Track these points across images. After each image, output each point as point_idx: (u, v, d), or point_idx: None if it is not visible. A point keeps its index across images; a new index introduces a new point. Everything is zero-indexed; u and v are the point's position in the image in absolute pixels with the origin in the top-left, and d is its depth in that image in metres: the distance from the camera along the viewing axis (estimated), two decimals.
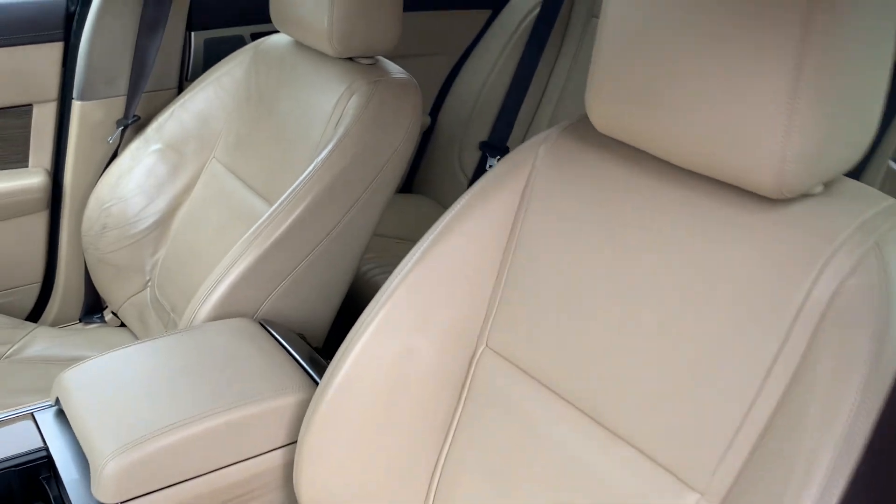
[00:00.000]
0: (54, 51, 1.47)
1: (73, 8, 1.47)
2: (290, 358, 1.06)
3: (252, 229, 1.18)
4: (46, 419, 0.98)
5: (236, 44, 1.60)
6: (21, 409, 1.00)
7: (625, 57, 0.72)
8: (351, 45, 1.24)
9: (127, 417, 0.91)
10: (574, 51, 1.86)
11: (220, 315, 1.15)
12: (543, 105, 1.93)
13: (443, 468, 0.90)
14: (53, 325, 1.64)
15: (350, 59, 1.30)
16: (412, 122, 1.27)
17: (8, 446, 0.93)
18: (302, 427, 0.91)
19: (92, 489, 0.87)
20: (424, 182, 2.09)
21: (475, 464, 0.87)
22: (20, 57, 1.44)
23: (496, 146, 1.94)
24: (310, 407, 0.91)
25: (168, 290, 1.44)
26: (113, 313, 1.58)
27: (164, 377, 0.98)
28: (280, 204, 1.18)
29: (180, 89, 1.62)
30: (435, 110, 2.05)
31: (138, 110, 1.53)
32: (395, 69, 1.31)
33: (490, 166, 1.97)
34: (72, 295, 1.64)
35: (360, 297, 1.57)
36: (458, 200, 0.90)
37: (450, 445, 0.90)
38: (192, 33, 1.61)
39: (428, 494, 0.91)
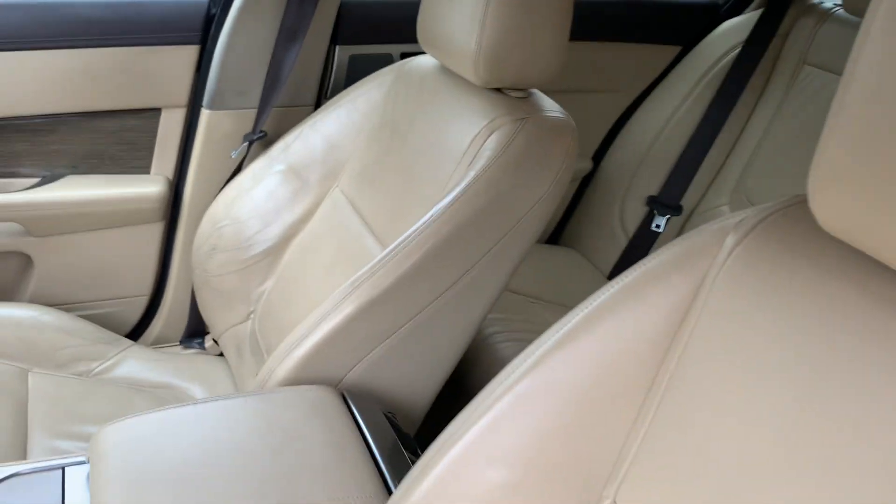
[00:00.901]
0: (189, 54, 1.38)
1: (214, 10, 1.37)
2: (366, 451, 0.84)
3: (353, 278, 0.98)
4: (74, 480, 0.83)
5: (384, 62, 1.43)
6: (56, 461, 0.86)
7: (884, 131, 0.44)
8: (500, 73, 1.03)
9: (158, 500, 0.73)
10: (778, 102, 1.55)
11: (299, 377, 0.96)
12: (730, 163, 1.63)
13: None
14: (154, 343, 1.54)
15: (498, 90, 1.09)
16: (562, 169, 1.03)
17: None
18: None
19: None
20: (575, 235, 1.83)
21: None
22: (153, 58, 1.36)
23: (667, 204, 1.66)
24: None
25: (267, 327, 1.28)
26: (214, 340, 1.46)
27: (210, 454, 0.80)
28: (390, 252, 0.98)
29: (317, 107, 1.48)
30: (599, 155, 1.80)
31: (267, 125, 1.40)
32: (549, 106, 1.08)
33: (657, 226, 1.68)
34: (177, 314, 1.54)
35: (475, 362, 1.34)
36: (609, 286, 0.65)
37: None
38: (337, 47, 1.47)
39: None
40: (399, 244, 0.98)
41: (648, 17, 1.72)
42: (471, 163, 1.02)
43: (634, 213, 1.71)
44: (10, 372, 1.21)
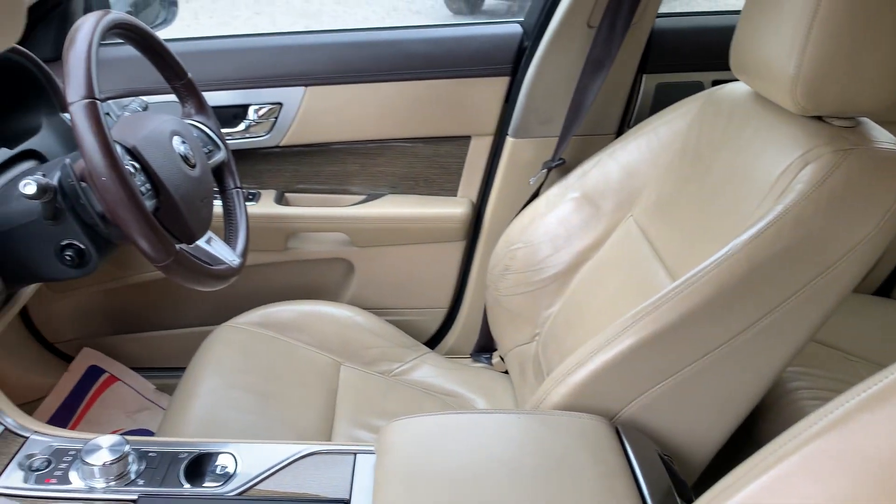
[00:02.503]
0: (500, 85, 1.46)
1: (526, 43, 1.44)
2: (635, 490, 0.81)
3: (640, 307, 0.95)
4: (363, 468, 0.91)
5: (693, 90, 1.38)
6: (350, 447, 0.95)
7: None
8: (821, 99, 0.93)
9: (426, 502, 0.78)
10: None
11: (573, 403, 0.95)
12: None
13: None
14: (448, 353, 1.65)
15: (818, 118, 0.98)
16: (893, 210, 0.90)
17: (321, 483, 0.89)
18: None
19: None
20: None
21: None
22: (468, 89, 1.46)
23: None
24: None
25: (550, 351, 1.29)
26: (501, 357, 1.51)
27: (483, 465, 0.82)
28: (678, 285, 0.93)
29: (618, 135, 1.47)
30: None
31: (566, 153, 1.43)
32: (882, 136, 0.95)
33: None
34: (470, 329, 1.62)
35: (773, 416, 1.22)
36: None
37: None
38: (644, 76, 1.45)
39: None
40: (689, 278, 0.92)
41: None
42: (779, 196, 0.93)
43: None
44: (327, 363, 1.38)
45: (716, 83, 1.38)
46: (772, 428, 1.24)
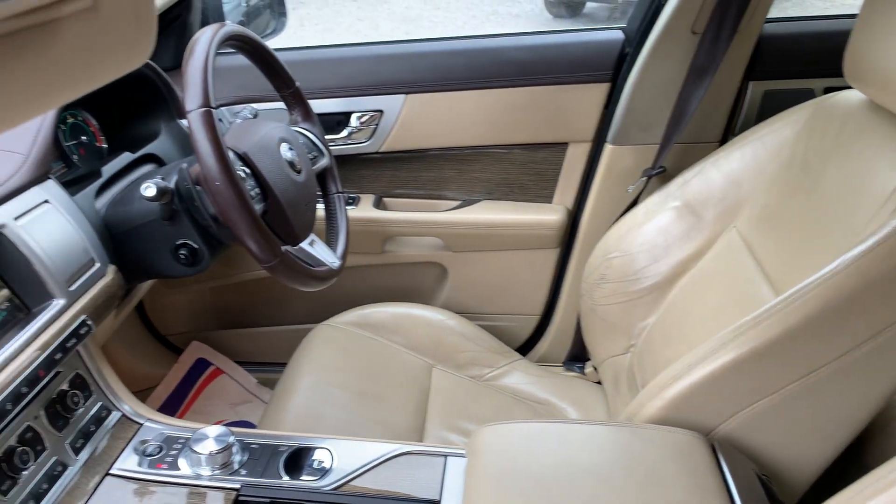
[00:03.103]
0: (599, 92, 1.45)
1: (627, 49, 1.42)
2: (728, 497, 0.79)
3: (737, 324, 0.92)
4: (454, 470, 0.93)
5: (803, 98, 1.32)
6: (442, 449, 0.97)
7: None
8: None
9: None
10: None
11: (668, 417, 0.93)
12: None
13: None
14: (539, 361, 1.64)
15: None
16: None
17: (412, 483, 0.91)
18: None
19: None
20: None
21: None
22: (566, 96, 1.45)
23: None
24: None
25: (645, 363, 1.27)
26: (594, 367, 1.50)
27: (574, 475, 0.82)
28: (782, 301, 0.90)
29: (722, 143, 1.43)
30: None
31: (666, 161, 1.40)
32: None
33: None
34: (563, 337, 1.61)
35: (884, 440, 1.15)
36: None
37: None
38: (751, 83, 1.40)
39: None
40: (794, 293, 0.89)
41: None
42: (894, 211, 0.89)
43: None
44: (420, 365, 1.40)
45: (828, 91, 1.32)
46: (881, 451, 1.17)
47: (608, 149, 1.45)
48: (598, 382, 1.48)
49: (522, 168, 1.56)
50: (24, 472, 0.84)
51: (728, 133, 1.45)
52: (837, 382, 0.90)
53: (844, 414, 0.93)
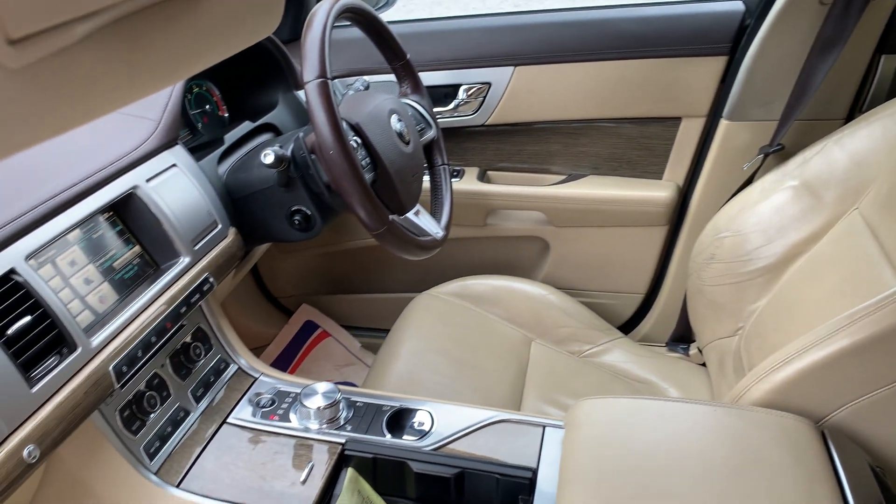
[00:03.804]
0: (716, 65, 1.39)
1: (748, 21, 1.36)
2: (839, 499, 0.76)
3: (854, 309, 0.88)
4: (551, 441, 0.94)
5: None
6: (540, 419, 0.98)
7: None
8: None
9: (613, 482, 0.79)
10: None
11: (775, 401, 0.90)
12: None
13: None
14: (641, 340, 1.62)
15: None
16: None
17: (509, 450, 0.92)
18: None
19: None
20: None
21: None
22: (680, 69, 1.41)
23: None
24: None
25: (753, 347, 1.23)
26: (698, 349, 1.46)
27: (674, 452, 0.81)
28: None
29: (848, 120, 1.35)
30: None
31: (785, 138, 1.33)
32: None
33: None
34: (667, 317, 1.58)
35: None
36: None
37: None
38: (883, 57, 1.31)
39: None
40: None
41: None
42: None
43: None
44: (519, 338, 1.41)
45: None
46: None
47: (723, 125, 1.40)
48: (703, 365, 1.45)
49: (632, 143, 1.53)
50: (152, 415, 0.91)
51: (855, 110, 1.37)
52: None
53: None
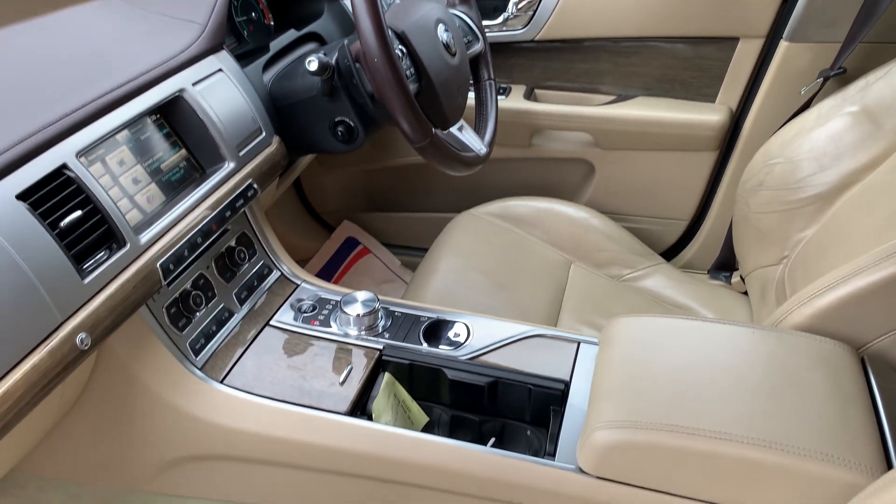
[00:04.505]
0: None
1: None
2: (874, 421, 0.76)
3: None
4: (585, 356, 0.95)
5: None
6: (575, 336, 0.99)
7: None
8: None
9: (648, 392, 0.79)
10: None
11: (816, 326, 0.89)
12: None
13: None
14: (683, 267, 1.60)
15: None
16: None
17: (543, 363, 0.94)
18: None
19: (578, 449, 0.80)
20: None
21: None
22: None
23: None
24: (856, 498, 0.63)
25: (798, 276, 1.21)
26: (741, 277, 1.44)
27: (707, 370, 0.82)
28: None
29: None
30: None
31: (848, 62, 1.28)
32: None
33: None
34: (712, 244, 1.56)
35: None
36: None
37: None
38: None
39: None
40: None
41: None
42: None
43: None
44: (559, 260, 1.41)
45: None
46: None
47: (783, 46, 1.34)
48: (744, 294, 1.43)
49: (686, 63, 1.48)
50: (197, 314, 0.94)
51: None
52: None
53: None
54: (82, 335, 0.72)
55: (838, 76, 1.29)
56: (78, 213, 0.76)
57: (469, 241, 1.40)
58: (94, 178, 0.79)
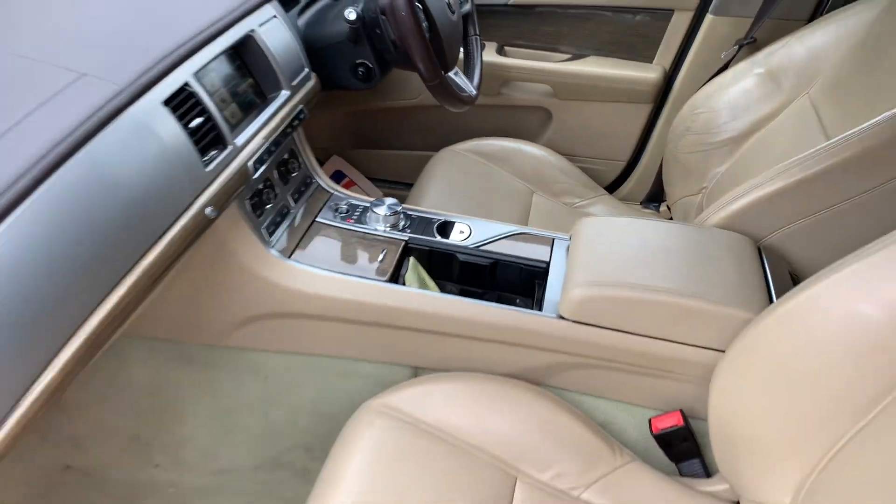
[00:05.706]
0: None
1: None
2: (764, 284, 1.09)
3: (795, 158, 1.19)
4: (559, 248, 1.26)
5: None
6: (548, 234, 1.29)
7: None
8: None
9: (609, 264, 1.11)
10: None
11: (728, 225, 1.22)
12: None
13: (842, 448, 0.84)
14: (622, 199, 1.93)
15: None
16: None
17: (528, 251, 1.24)
18: (732, 342, 0.97)
19: (559, 303, 1.11)
20: None
21: (882, 458, 0.79)
22: None
23: None
24: (747, 327, 0.96)
25: (713, 200, 1.54)
26: (668, 206, 1.78)
27: (652, 249, 1.14)
28: (828, 144, 1.16)
29: (810, 21, 1.63)
30: None
31: (758, 33, 1.61)
32: None
33: None
34: (645, 180, 1.89)
35: None
36: None
37: (862, 427, 0.84)
38: None
39: (814, 469, 0.86)
40: (839, 140, 1.15)
41: None
42: None
43: None
44: (524, 189, 1.71)
45: None
46: None
47: (709, 18, 1.67)
48: (670, 219, 1.77)
49: (630, 29, 1.79)
50: (267, 207, 1.20)
51: (817, 13, 1.64)
52: (868, 210, 1.16)
53: (864, 237, 1.21)
54: (209, 208, 0.97)
55: (750, 44, 1.62)
56: (199, 119, 1.00)
57: (451, 171, 1.69)
58: (206, 93, 1.04)
